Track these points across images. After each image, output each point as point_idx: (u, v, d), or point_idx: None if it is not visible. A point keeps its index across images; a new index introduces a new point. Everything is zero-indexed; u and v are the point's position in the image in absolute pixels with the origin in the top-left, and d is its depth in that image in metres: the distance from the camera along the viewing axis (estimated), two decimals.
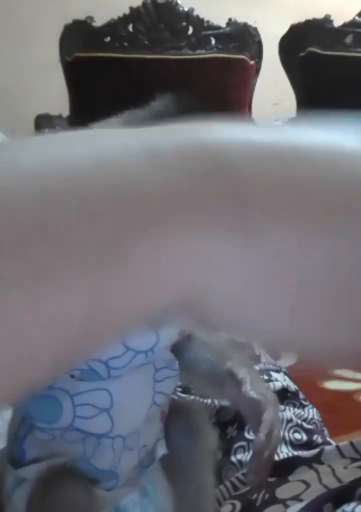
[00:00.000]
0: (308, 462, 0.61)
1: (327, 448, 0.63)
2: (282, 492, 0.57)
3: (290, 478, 0.60)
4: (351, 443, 0.62)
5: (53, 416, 0.45)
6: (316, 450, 0.63)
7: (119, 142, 0.18)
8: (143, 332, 0.43)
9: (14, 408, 0.48)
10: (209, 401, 0.75)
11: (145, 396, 0.46)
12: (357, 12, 2.33)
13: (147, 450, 0.49)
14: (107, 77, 2.15)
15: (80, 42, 2.23)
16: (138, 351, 0.44)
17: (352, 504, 0.44)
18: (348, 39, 2.29)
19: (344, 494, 0.47)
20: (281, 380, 0.78)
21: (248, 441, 0.70)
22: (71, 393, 0.45)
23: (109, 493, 0.47)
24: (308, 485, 0.57)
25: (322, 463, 0.61)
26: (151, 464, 0.49)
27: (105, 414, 0.45)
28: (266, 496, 0.57)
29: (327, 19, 2.30)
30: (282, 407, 0.73)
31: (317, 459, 0.62)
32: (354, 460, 0.59)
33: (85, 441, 0.45)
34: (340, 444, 0.63)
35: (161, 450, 0.50)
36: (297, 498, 0.55)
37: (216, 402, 0.75)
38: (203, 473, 0.51)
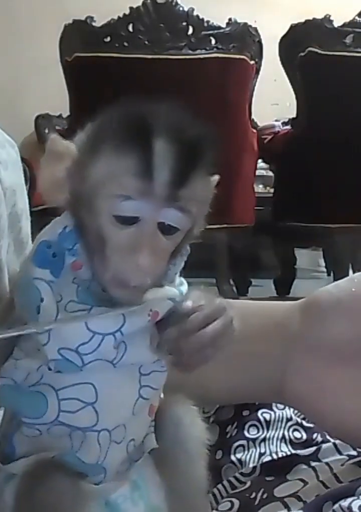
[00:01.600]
0: (306, 460, 0.62)
1: (324, 445, 0.63)
2: (280, 490, 0.57)
3: (288, 477, 0.60)
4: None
5: (38, 411, 0.45)
6: (314, 448, 0.64)
7: None
8: (107, 315, 0.43)
9: (4, 406, 0.48)
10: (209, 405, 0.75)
11: (130, 389, 0.46)
12: (357, 12, 2.33)
13: (135, 443, 0.48)
14: (107, 77, 2.15)
15: (80, 42, 2.23)
16: (105, 334, 0.43)
17: (349, 499, 0.44)
18: (348, 39, 2.29)
19: (344, 494, 0.47)
20: None
21: (248, 439, 0.71)
22: (56, 387, 0.45)
23: (97, 487, 0.46)
24: (305, 483, 0.57)
25: (320, 461, 0.61)
26: (140, 458, 0.49)
27: (89, 407, 0.45)
28: (265, 495, 0.58)
29: (327, 19, 2.30)
30: (282, 406, 0.73)
31: (315, 456, 0.62)
32: (351, 457, 0.59)
33: (72, 435, 0.45)
34: (337, 440, 0.63)
35: (151, 444, 0.49)
36: (294, 496, 0.55)
37: None
38: (196, 466, 0.51)
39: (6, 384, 0.46)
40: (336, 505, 0.45)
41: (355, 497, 0.45)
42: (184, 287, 0.48)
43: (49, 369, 0.45)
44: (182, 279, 0.49)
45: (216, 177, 0.46)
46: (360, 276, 0.58)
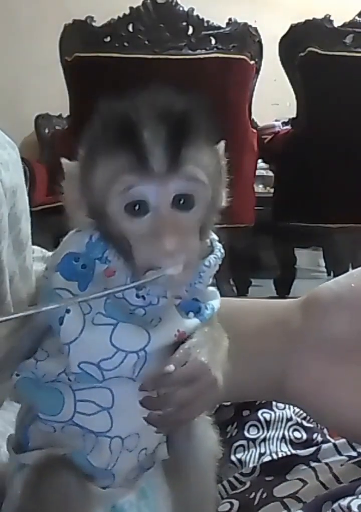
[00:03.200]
0: (306, 460, 0.62)
1: (324, 445, 0.63)
2: (280, 490, 0.57)
3: (288, 477, 0.60)
4: (348, 440, 0.62)
5: (54, 408, 0.45)
6: (313, 448, 0.64)
7: None
8: (133, 332, 0.43)
9: (22, 398, 0.48)
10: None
11: None
12: (357, 12, 2.33)
13: (147, 452, 0.48)
14: (107, 77, 2.15)
15: (80, 42, 2.22)
16: (129, 352, 0.43)
17: (348, 498, 0.44)
18: (348, 39, 2.29)
19: (343, 494, 0.47)
20: None
21: (248, 439, 0.71)
22: (74, 387, 0.45)
23: (103, 491, 0.46)
24: (305, 483, 0.57)
25: (319, 461, 0.61)
26: (151, 467, 0.49)
27: (105, 412, 0.45)
28: (264, 495, 0.58)
29: (327, 19, 2.30)
30: (282, 406, 0.73)
31: (314, 457, 0.62)
32: (350, 457, 0.59)
33: (85, 437, 0.45)
34: (337, 441, 0.63)
35: (162, 454, 0.49)
36: (294, 496, 0.55)
37: None
38: (206, 479, 0.50)
39: (26, 377, 0.46)
40: (335, 505, 0.45)
41: (355, 496, 0.45)
42: (216, 302, 0.47)
43: (69, 379, 0.44)
44: (216, 291, 0.48)
45: (222, 143, 0.46)
46: (359, 272, 0.58)
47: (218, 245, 0.48)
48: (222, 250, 0.48)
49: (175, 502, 0.49)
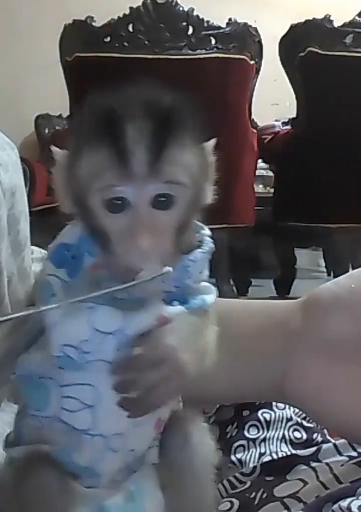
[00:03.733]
0: (306, 460, 0.62)
1: (324, 446, 0.63)
2: (280, 490, 0.57)
3: (288, 477, 0.60)
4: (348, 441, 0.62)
5: (41, 404, 0.45)
6: (314, 448, 0.64)
7: None
8: (111, 313, 0.43)
9: (19, 395, 0.49)
10: (209, 405, 0.75)
11: None
12: (357, 12, 2.33)
13: (136, 455, 0.47)
14: (107, 77, 2.15)
15: (80, 42, 2.23)
16: (106, 333, 0.43)
17: (348, 500, 0.44)
18: (348, 39, 2.29)
19: (344, 495, 0.47)
20: None
21: (248, 439, 0.70)
22: (60, 383, 0.45)
23: (88, 491, 0.46)
24: (305, 483, 0.57)
25: (320, 461, 0.61)
26: (139, 468, 0.49)
27: (87, 410, 0.45)
28: (265, 495, 0.58)
29: (327, 19, 2.30)
30: (282, 406, 0.73)
31: (315, 457, 0.62)
32: (351, 457, 0.59)
33: (70, 434, 0.45)
34: (337, 441, 0.63)
35: (152, 458, 0.48)
36: (294, 496, 0.55)
37: None
38: (201, 488, 0.49)
39: (21, 374, 0.47)
40: (335, 506, 0.44)
41: (355, 497, 0.45)
42: (209, 297, 0.47)
43: (52, 365, 0.45)
44: (211, 287, 0.48)
45: (211, 142, 0.46)
46: (359, 272, 0.58)
47: (208, 240, 0.47)
48: (212, 245, 0.47)
49: (169, 509, 0.49)
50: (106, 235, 0.43)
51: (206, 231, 0.48)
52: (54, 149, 0.45)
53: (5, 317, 0.42)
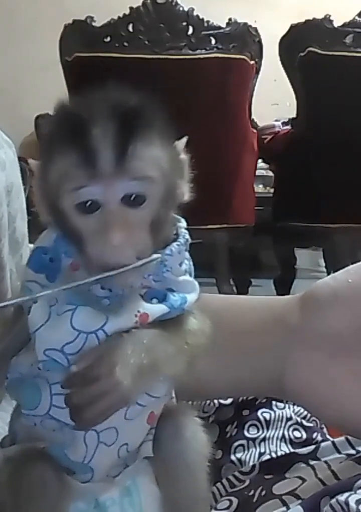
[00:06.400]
0: (305, 459, 0.62)
1: (323, 444, 0.64)
2: (279, 488, 0.57)
3: (287, 475, 0.60)
4: (347, 439, 0.62)
5: (32, 403, 0.45)
6: (312, 447, 0.64)
7: None
8: (91, 313, 0.44)
9: (12, 398, 0.49)
10: (209, 400, 0.75)
11: None
12: (357, 12, 2.33)
13: (129, 449, 0.47)
14: (107, 77, 2.15)
15: (80, 42, 2.23)
16: (88, 333, 0.43)
17: (346, 494, 0.45)
18: (348, 39, 2.29)
19: (342, 489, 0.47)
20: None
21: (248, 439, 0.71)
22: (50, 381, 0.45)
23: (83, 485, 0.46)
24: (304, 480, 0.57)
25: (318, 459, 0.61)
26: (133, 463, 0.49)
27: None
28: (264, 492, 0.58)
29: (327, 19, 2.30)
30: (282, 405, 0.73)
31: (313, 455, 0.62)
32: (349, 455, 0.59)
33: (62, 431, 0.46)
34: (336, 439, 0.63)
35: (146, 452, 0.48)
36: (293, 493, 0.55)
37: (215, 400, 0.75)
38: (196, 480, 0.49)
39: (14, 377, 0.47)
40: (333, 500, 0.45)
41: (352, 492, 0.45)
42: (191, 296, 0.47)
43: (39, 368, 0.45)
44: (194, 282, 0.48)
45: (182, 140, 0.46)
46: (356, 267, 0.59)
47: (184, 232, 0.48)
48: (187, 237, 0.48)
49: (165, 503, 0.49)
50: (80, 236, 0.43)
51: (183, 223, 0.48)
52: (30, 161, 0.46)
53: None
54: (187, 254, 0.48)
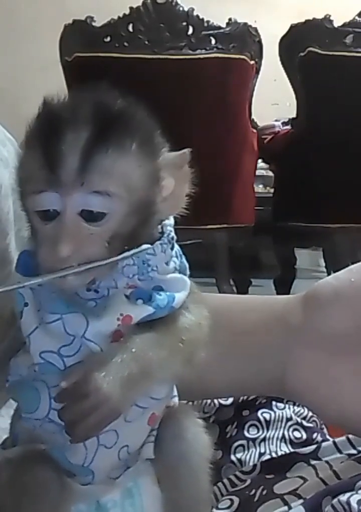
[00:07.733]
0: (306, 458, 0.62)
1: (324, 443, 0.64)
2: (280, 487, 0.57)
3: (288, 474, 0.60)
4: (348, 438, 0.62)
5: (31, 406, 0.45)
6: (313, 446, 0.64)
7: None
8: (75, 318, 0.43)
9: (13, 400, 0.49)
10: (209, 400, 0.75)
11: None
12: (357, 12, 2.33)
13: (129, 451, 0.47)
14: (107, 77, 2.14)
15: (80, 42, 2.23)
16: (76, 336, 0.43)
17: (347, 494, 0.45)
18: (348, 39, 2.30)
19: (343, 489, 0.47)
20: None
21: (248, 439, 0.70)
22: (49, 384, 0.45)
23: (84, 488, 0.46)
24: (305, 480, 0.57)
25: (319, 459, 0.61)
26: (135, 464, 0.49)
27: None
28: (265, 492, 0.58)
29: (327, 19, 2.30)
30: (282, 405, 0.73)
31: (315, 455, 0.62)
32: (350, 455, 0.59)
33: (62, 433, 0.45)
34: (337, 439, 0.63)
35: (148, 454, 0.48)
36: (294, 493, 0.55)
37: (215, 401, 0.75)
38: (198, 482, 0.49)
39: (14, 380, 0.47)
40: (335, 500, 0.45)
41: (354, 492, 0.45)
42: (180, 295, 0.45)
43: (34, 371, 0.45)
44: (185, 279, 0.46)
45: (185, 152, 0.44)
46: (358, 267, 0.58)
47: (169, 230, 0.46)
48: (173, 234, 0.46)
49: (166, 504, 0.49)
50: (37, 239, 0.43)
51: (169, 221, 0.47)
52: None
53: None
54: (176, 252, 0.47)
